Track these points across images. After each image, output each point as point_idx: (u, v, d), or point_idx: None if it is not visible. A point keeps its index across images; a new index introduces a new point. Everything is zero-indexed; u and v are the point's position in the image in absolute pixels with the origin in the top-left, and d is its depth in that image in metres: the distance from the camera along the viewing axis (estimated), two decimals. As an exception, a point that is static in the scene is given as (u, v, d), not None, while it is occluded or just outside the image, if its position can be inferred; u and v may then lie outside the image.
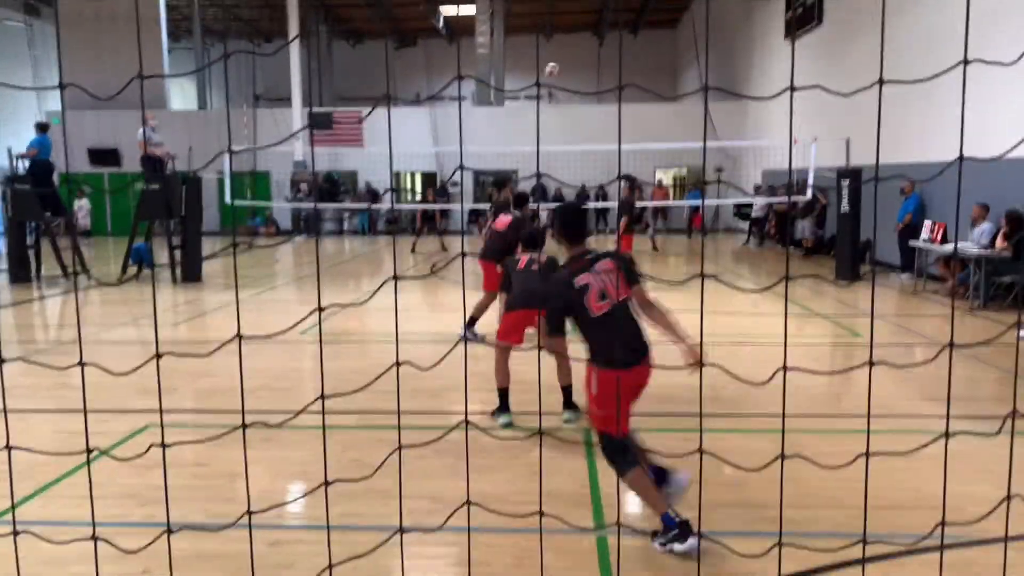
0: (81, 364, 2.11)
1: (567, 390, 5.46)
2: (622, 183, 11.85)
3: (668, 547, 3.52)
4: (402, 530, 2.38)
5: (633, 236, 11.41)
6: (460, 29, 31.07)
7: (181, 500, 4.03)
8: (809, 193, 16.25)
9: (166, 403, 5.87)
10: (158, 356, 2.13)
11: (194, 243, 13.07)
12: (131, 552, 2.41)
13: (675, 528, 3.50)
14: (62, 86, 1.93)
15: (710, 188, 22.66)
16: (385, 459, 2.47)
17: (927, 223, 11.78)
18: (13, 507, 2.30)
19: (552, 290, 3.84)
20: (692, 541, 3.43)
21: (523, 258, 5.81)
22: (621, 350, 3.57)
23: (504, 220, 8.00)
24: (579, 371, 5.73)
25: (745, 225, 21.92)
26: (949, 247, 10.85)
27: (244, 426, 2.19)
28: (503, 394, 5.43)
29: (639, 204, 17.12)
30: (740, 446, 4.90)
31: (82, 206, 19.99)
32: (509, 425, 5.33)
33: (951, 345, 1.99)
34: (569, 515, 3.67)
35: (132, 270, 13.31)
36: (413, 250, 17.93)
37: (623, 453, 3.61)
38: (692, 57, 29.56)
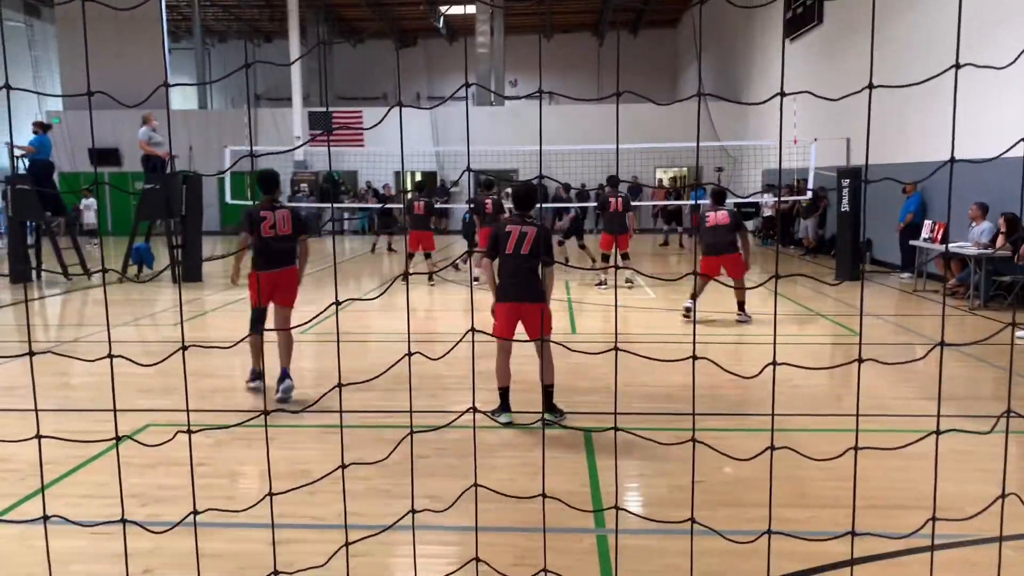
0: (110, 356, 2.13)
1: (548, 390, 5.29)
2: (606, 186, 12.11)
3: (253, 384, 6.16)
4: (413, 511, 2.39)
5: (625, 236, 11.34)
6: (460, 29, 31.09)
7: (181, 499, 4.03)
8: (810, 193, 16.25)
9: (166, 403, 5.90)
10: (184, 347, 2.15)
11: (194, 243, 13.08)
12: (161, 532, 2.42)
13: (259, 379, 6.10)
14: (90, 93, 1.95)
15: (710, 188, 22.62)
16: (399, 443, 2.49)
17: (927, 223, 11.79)
18: (43, 488, 2.31)
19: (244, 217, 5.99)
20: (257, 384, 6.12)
21: (513, 230, 5.23)
22: (267, 261, 5.85)
23: (723, 214, 8.77)
24: (561, 367, 5.71)
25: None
26: (950, 246, 10.85)
27: (265, 412, 2.22)
28: (503, 393, 5.35)
29: (635, 204, 17.19)
30: (738, 446, 4.90)
31: (89, 204, 19.99)
32: (510, 424, 5.27)
33: (942, 344, 2.01)
34: (569, 514, 3.68)
35: (132, 270, 13.32)
36: (390, 248, 18.27)
37: (257, 319, 5.89)
38: (692, 57, 29.56)
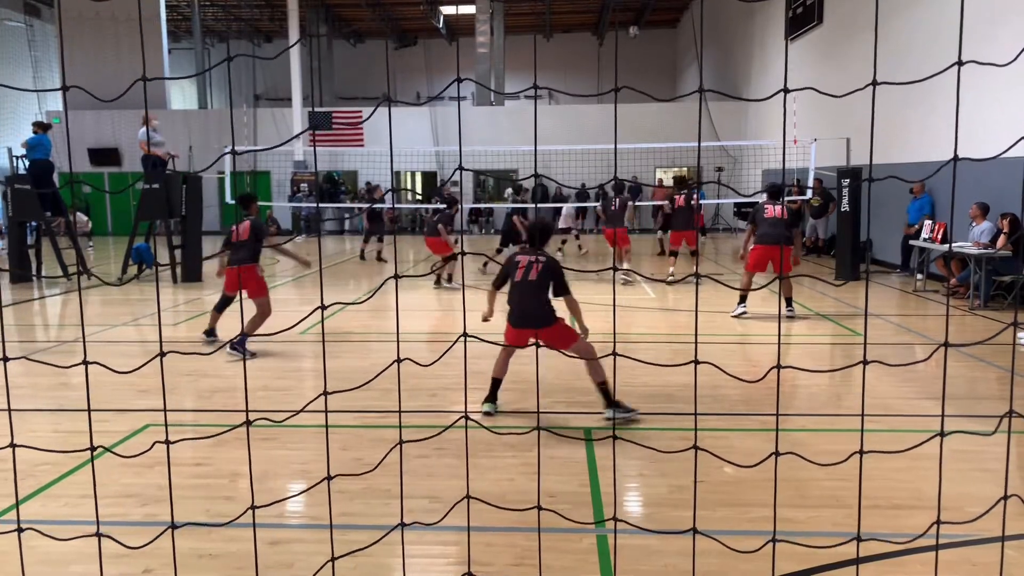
0: (85, 363, 2.11)
1: (601, 387, 5.32)
2: (681, 192, 13.22)
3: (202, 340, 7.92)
4: (403, 525, 2.39)
5: (692, 233, 12.34)
6: (460, 29, 31.07)
7: (181, 499, 4.03)
8: (809, 193, 16.25)
9: (167, 403, 5.88)
10: (162, 354, 2.14)
11: (194, 243, 13.07)
12: (135, 548, 2.42)
13: (211, 334, 7.92)
14: (64, 87, 1.94)
15: (711, 187, 22.63)
16: (387, 454, 2.48)
17: (927, 223, 11.78)
18: (17, 504, 2.30)
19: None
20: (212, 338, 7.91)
21: (522, 260, 5.43)
22: (233, 260, 7.66)
23: (780, 208, 9.01)
24: (561, 366, 5.68)
25: (743, 224, 21.86)
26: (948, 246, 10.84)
27: (248, 423, 2.21)
28: (494, 384, 5.50)
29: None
30: (739, 446, 4.89)
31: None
32: (490, 414, 5.43)
33: (946, 344, 2.00)
34: (569, 514, 3.67)
35: (132, 270, 13.31)
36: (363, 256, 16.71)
37: (222, 303, 7.87)
38: (692, 57, 29.56)
